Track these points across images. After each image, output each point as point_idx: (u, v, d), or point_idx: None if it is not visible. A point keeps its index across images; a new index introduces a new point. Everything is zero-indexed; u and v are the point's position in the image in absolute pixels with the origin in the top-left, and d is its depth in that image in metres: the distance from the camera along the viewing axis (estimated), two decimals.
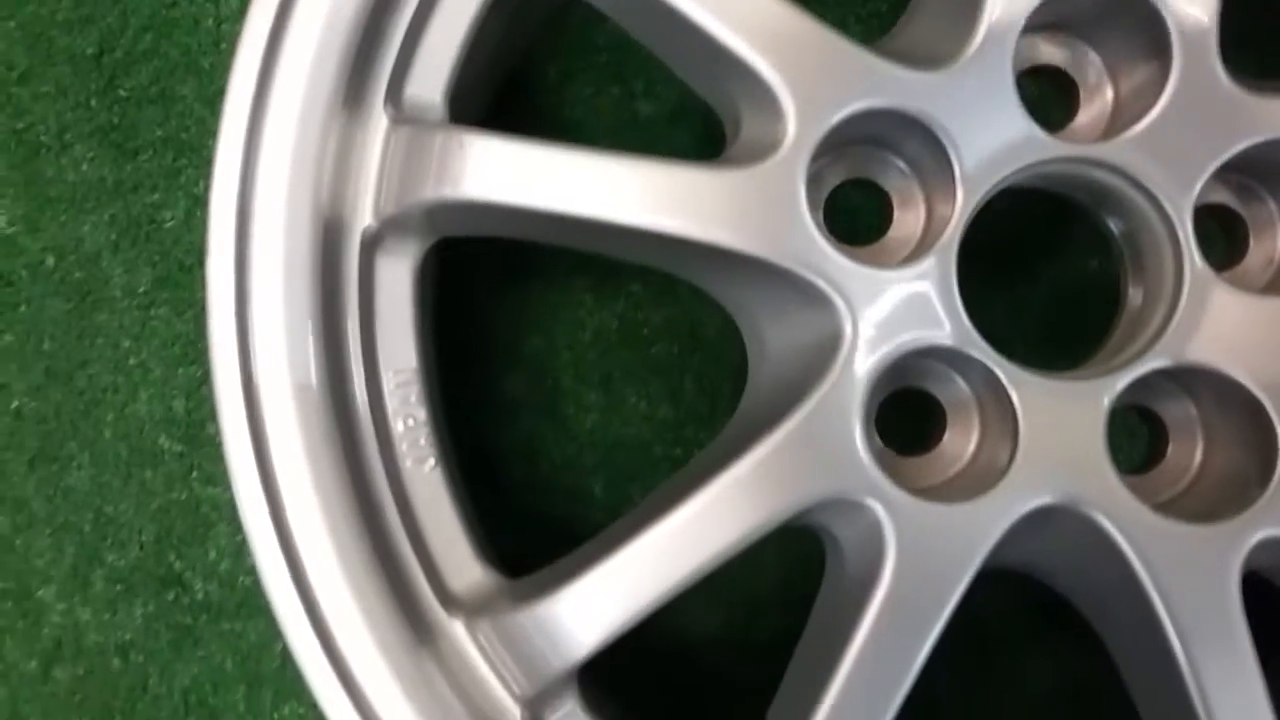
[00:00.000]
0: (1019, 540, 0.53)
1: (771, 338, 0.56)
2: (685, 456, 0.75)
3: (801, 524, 0.55)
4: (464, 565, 0.56)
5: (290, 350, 0.53)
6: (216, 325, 0.53)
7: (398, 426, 0.56)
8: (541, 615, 0.52)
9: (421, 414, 0.56)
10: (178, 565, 0.78)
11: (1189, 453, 0.56)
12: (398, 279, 0.55)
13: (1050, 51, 0.57)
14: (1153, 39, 0.53)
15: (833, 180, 0.57)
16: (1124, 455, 0.57)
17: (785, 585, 0.74)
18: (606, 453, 0.76)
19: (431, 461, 0.56)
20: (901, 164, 0.56)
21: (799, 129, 0.51)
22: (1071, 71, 0.57)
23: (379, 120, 0.54)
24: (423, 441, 0.56)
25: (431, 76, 0.55)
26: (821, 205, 0.55)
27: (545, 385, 0.77)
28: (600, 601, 0.52)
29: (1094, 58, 0.57)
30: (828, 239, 0.51)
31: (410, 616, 0.54)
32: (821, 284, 0.51)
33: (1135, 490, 0.51)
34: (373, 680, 0.52)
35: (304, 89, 0.52)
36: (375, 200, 0.54)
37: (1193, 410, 0.56)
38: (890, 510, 0.51)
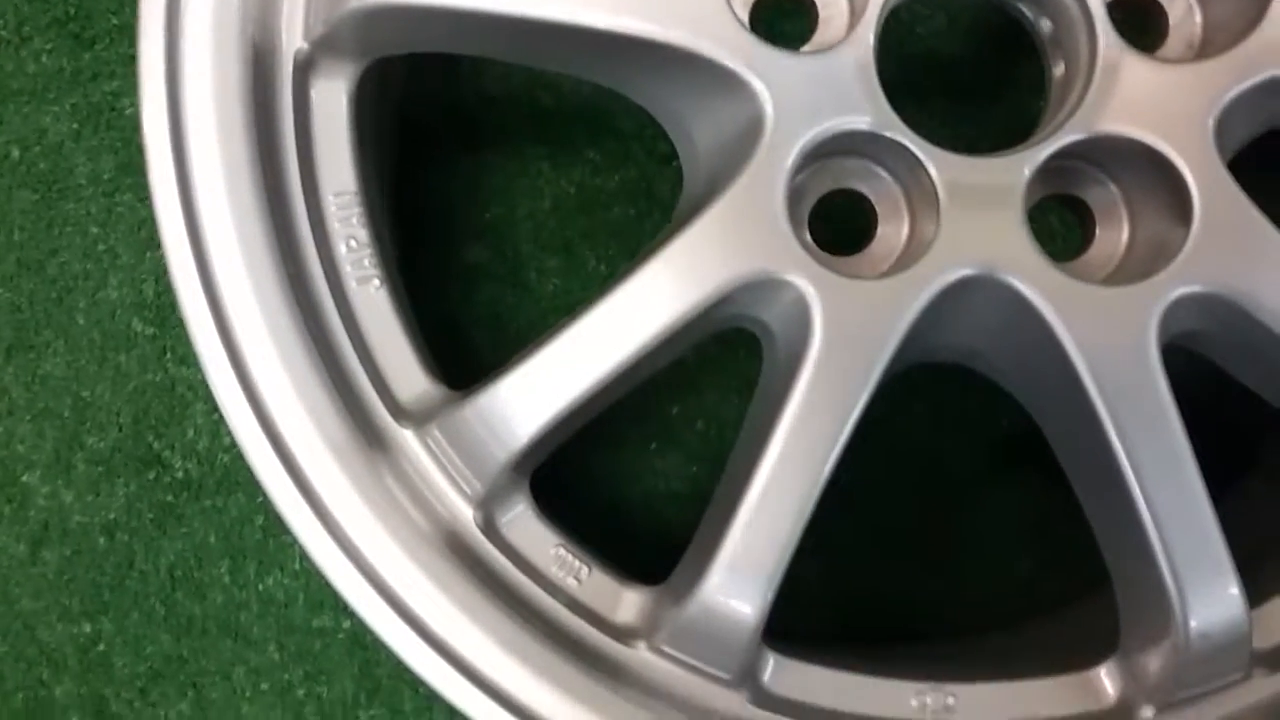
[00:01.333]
0: (949, 319, 0.54)
1: (700, 137, 0.57)
2: None
3: (737, 320, 0.56)
4: (412, 378, 0.58)
5: (229, 179, 0.54)
6: (155, 163, 0.54)
7: (340, 249, 0.57)
8: (483, 406, 0.54)
9: (364, 235, 0.57)
10: (156, 445, 0.79)
11: (1116, 234, 0.57)
12: (334, 102, 0.57)
13: None
14: None
15: None
16: (1058, 245, 0.59)
17: None
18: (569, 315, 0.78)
19: (376, 282, 0.58)
20: None
21: None
22: None
23: None
24: (366, 263, 0.58)
25: None
26: None
27: (506, 253, 0.79)
28: (536, 388, 0.53)
29: None
30: (743, 25, 0.53)
31: (363, 427, 0.55)
32: (741, 69, 0.52)
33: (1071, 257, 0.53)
34: (329, 487, 0.54)
35: None
36: (305, 22, 0.55)
37: (1114, 190, 0.57)
38: (817, 286, 0.52)
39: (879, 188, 0.58)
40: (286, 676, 0.77)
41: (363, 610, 0.53)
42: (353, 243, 0.57)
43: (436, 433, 0.56)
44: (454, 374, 0.62)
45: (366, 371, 0.56)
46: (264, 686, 0.77)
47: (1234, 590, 0.51)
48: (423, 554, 0.54)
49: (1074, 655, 0.58)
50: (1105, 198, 0.57)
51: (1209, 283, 0.51)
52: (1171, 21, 0.56)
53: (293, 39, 0.55)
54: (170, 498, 0.79)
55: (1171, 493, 0.51)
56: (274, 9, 0.55)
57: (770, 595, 0.53)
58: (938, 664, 0.60)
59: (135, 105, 0.81)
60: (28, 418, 0.80)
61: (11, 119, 0.80)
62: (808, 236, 0.56)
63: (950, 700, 0.57)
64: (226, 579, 0.79)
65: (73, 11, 0.80)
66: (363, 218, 0.57)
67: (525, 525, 0.58)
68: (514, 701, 0.53)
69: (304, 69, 0.56)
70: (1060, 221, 0.62)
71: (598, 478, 0.76)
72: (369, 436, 0.55)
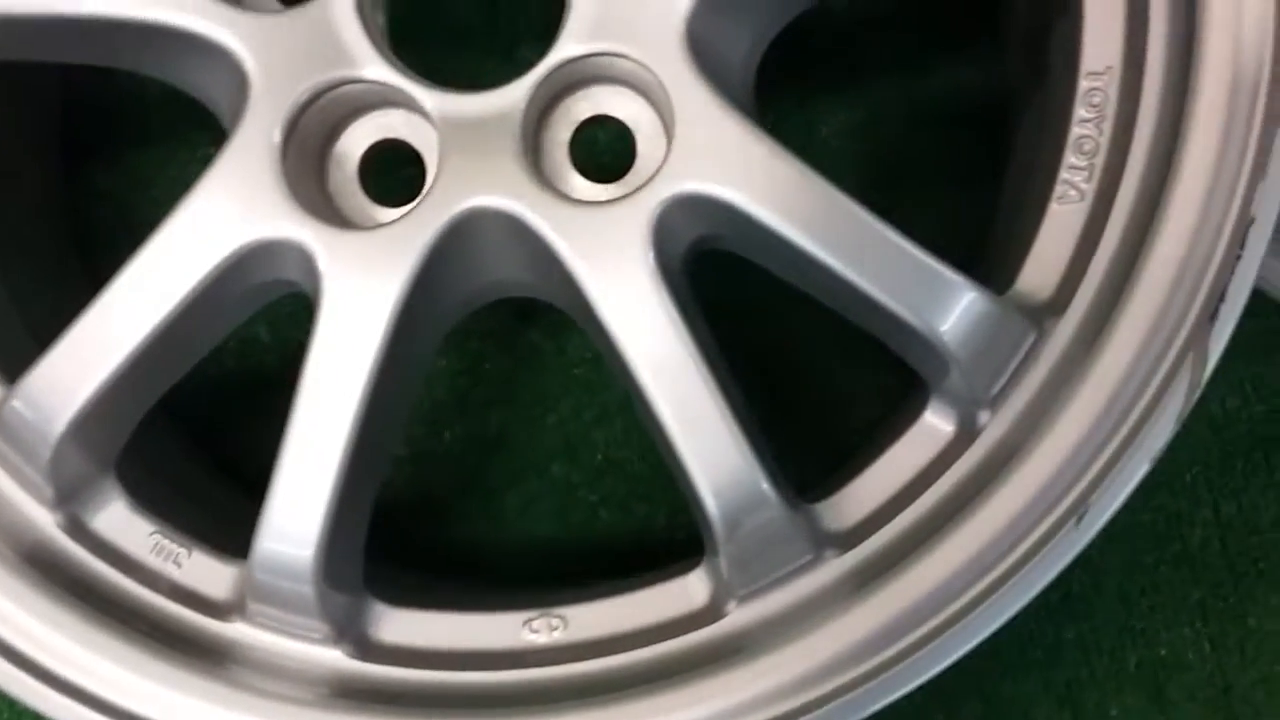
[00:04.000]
0: (477, 258, 0.55)
1: (223, 110, 0.57)
2: None
3: (279, 286, 0.57)
4: None
5: None
6: None
7: None
8: (28, 392, 0.54)
9: None
10: None
11: (657, 148, 0.57)
12: None
13: None
14: None
15: None
16: (608, 161, 0.59)
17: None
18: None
19: None
20: None
21: None
22: None
23: None
24: None
25: None
26: None
27: None
28: (71, 365, 0.53)
29: None
30: None
31: None
32: (219, 37, 0.53)
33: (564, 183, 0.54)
34: None
35: None
36: None
37: (647, 104, 0.57)
38: (319, 242, 0.53)
39: (424, 137, 0.58)
40: None
41: None
42: None
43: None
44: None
45: None
46: None
47: (764, 487, 0.52)
48: None
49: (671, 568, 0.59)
50: (641, 113, 0.58)
51: (692, 189, 0.52)
52: None
53: None
54: None
55: (685, 400, 0.52)
56: None
57: (320, 547, 0.53)
58: (550, 593, 0.61)
59: None
60: None
61: None
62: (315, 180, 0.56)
63: (557, 622, 0.58)
64: None
65: None
66: None
67: (117, 519, 0.58)
68: (108, 703, 0.53)
69: None
70: (610, 138, 0.62)
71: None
72: None
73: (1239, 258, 0.50)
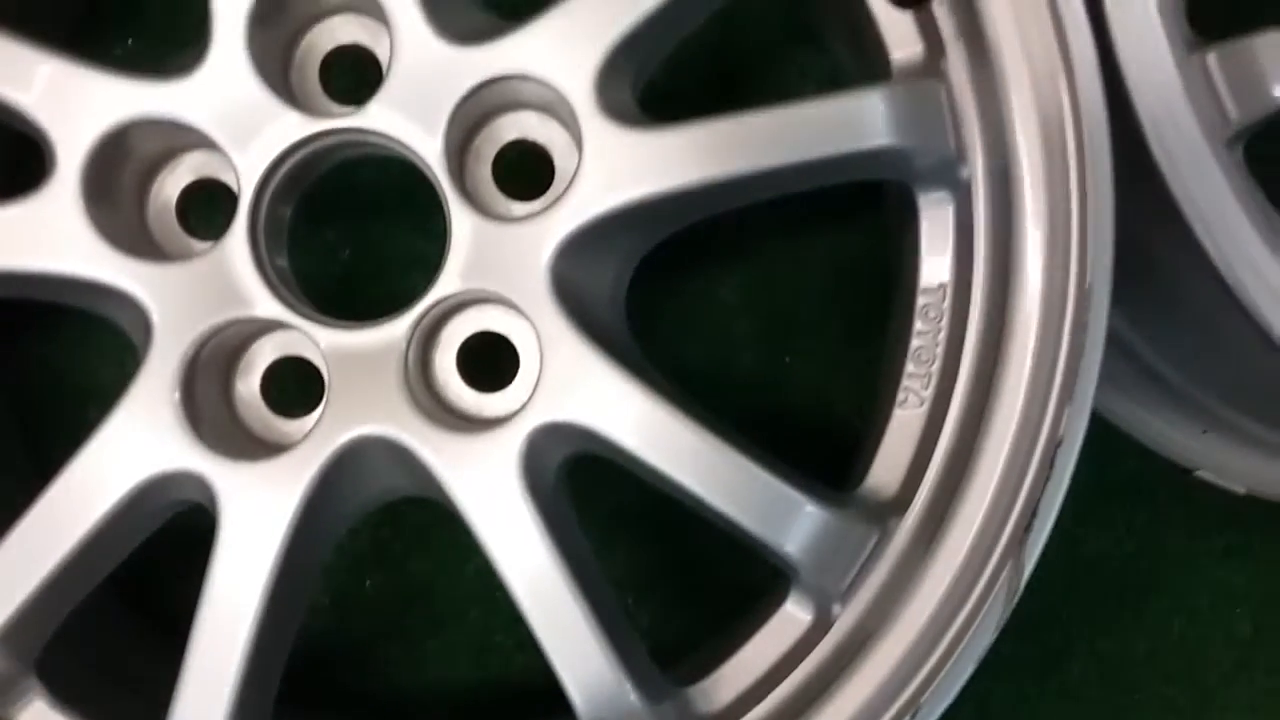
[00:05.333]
0: (367, 474, 0.60)
1: (136, 341, 0.62)
2: None
3: (180, 502, 0.62)
4: None
5: None
6: None
7: None
8: None
9: None
10: None
11: (532, 370, 0.62)
12: None
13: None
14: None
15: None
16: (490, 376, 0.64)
17: None
18: None
19: None
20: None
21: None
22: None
23: None
24: None
25: None
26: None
27: None
28: None
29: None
30: (114, 248, 0.58)
31: None
32: (125, 286, 0.58)
33: (445, 410, 0.59)
34: None
35: None
36: None
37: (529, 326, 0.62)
38: (218, 475, 0.58)
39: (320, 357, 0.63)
40: None
41: None
42: None
43: None
44: None
45: None
46: None
47: (626, 687, 0.58)
48: None
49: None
50: (521, 332, 0.63)
51: (560, 419, 0.58)
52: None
53: None
54: None
55: (552, 612, 0.57)
56: None
57: None
58: None
59: None
60: None
61: None
62: (213, 415, 0.61)
63: None
64: None
65: None
66: None
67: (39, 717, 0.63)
68: None
69: None
70: (494, 353, 0.67)
71: None
72: None
73: (1048, 478, 0.56)
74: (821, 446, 0.77)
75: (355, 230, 0.77)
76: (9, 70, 0.58)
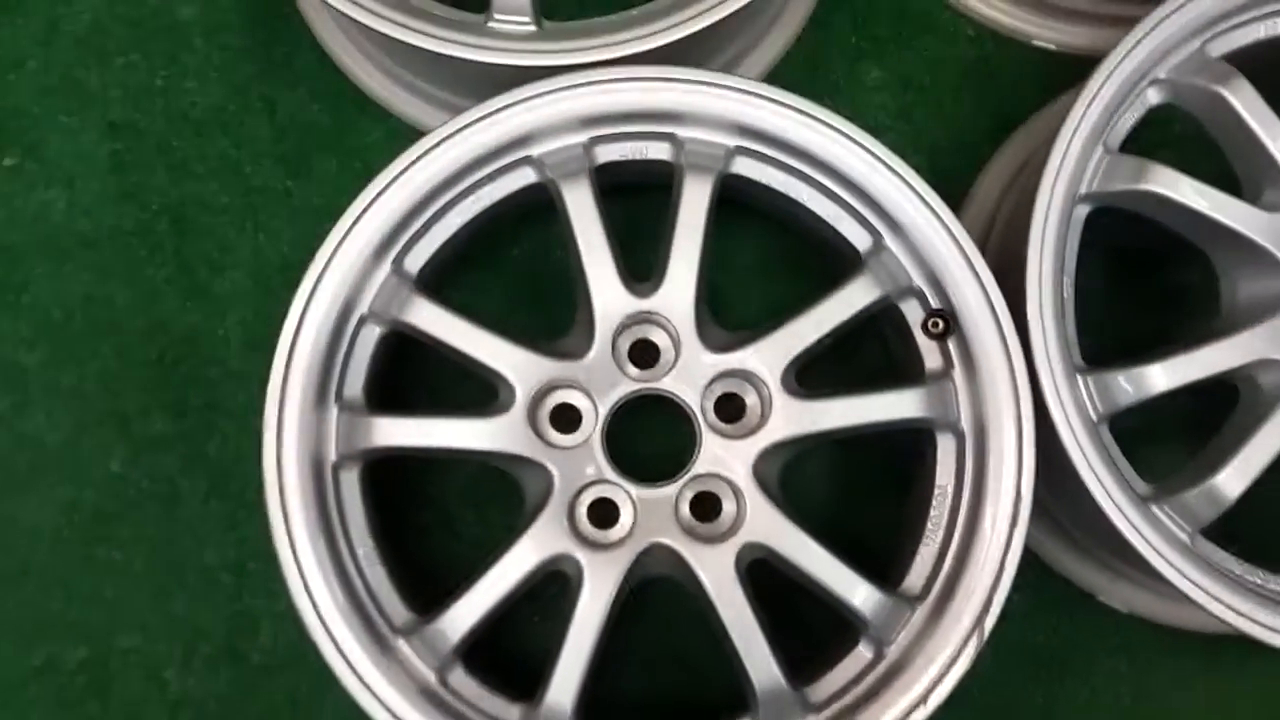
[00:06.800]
0: (658, 565, 1.18)
1: (529, 492, 1.22)
2: None
3: (561, 571, 1.19)
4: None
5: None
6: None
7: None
8: (444, 620, 1.16)
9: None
10: None
11: (737, 513, 1.20)
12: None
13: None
14: None
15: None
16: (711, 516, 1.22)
17: None
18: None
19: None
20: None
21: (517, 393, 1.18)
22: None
23: None
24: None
25: None
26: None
27: None
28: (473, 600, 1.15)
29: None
30: (538, 437, 1.18)
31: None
32: (539, 457, 1.17)
33: (696, 532, 1.18)
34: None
35: None
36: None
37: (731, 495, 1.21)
38: (583, 555, 1.16)
39: (624, 500, 1.21)
40: None
41: None
42: None
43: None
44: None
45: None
46: None
47: (783, 684, 1.14)
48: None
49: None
50: (730, 501, 1.21)
51: (757, 541, 1.16)
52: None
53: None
54: None
55: (744, 631, 1.14)
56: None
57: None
58: None
59: None
60: None
61: None
62: (582, 527, 1.19)
63: None
64: None
65: None
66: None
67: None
68: None
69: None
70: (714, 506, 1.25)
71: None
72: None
73: (997, 587, 1.13)
74: (875, 563, 1.34)
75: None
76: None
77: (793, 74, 1.48)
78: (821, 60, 1.48)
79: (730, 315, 1.39)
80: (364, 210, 1.17)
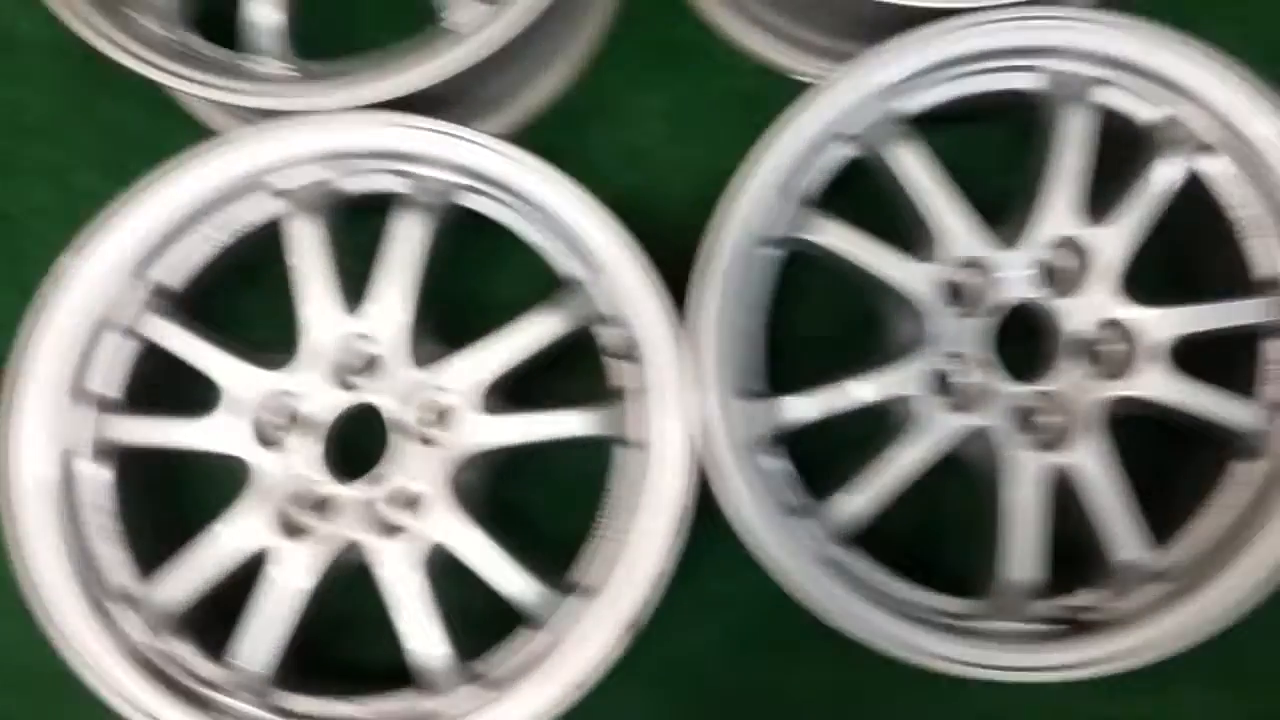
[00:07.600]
0: (353, 557, 1.34)
1: None
2: None
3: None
4: None
5: None
6: None
7: None
8: None
9: None
10: None
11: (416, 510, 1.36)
12: None
13: None
14: None
15: None
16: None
17: None
18: None
19: None
20: None
21: None
22: None
23: None
24: None
25: None
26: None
27: None
28: None
29: None
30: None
31: None
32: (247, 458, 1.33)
33: (383, 527, 1.34)
34: None
35: None
36: None
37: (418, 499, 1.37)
38: (283, 545, 1.32)
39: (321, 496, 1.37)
40: None
41: None
42: None
43: None
44: None
45: None
46: None
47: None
48: None
49: None
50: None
51: (436, 541, 1.32)
52: None
53: None
54: None
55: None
56: None
57: None
58: None
59: None
60: None
61: None
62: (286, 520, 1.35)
63: None
64: None
65: None
66: None
67: None
68: None
69: None
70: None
71: None
72: None
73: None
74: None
75: None
76: None
77: (577, 102, 1.62)
78: (606, 89, 1.62)
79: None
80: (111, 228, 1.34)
